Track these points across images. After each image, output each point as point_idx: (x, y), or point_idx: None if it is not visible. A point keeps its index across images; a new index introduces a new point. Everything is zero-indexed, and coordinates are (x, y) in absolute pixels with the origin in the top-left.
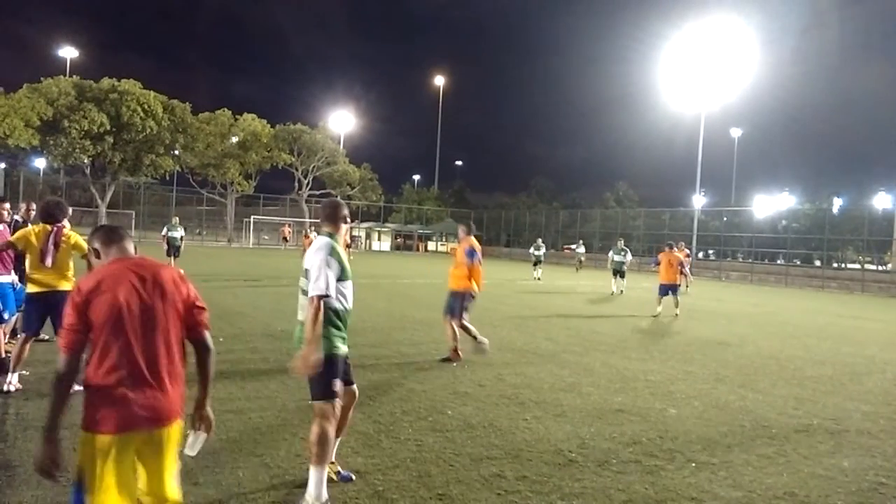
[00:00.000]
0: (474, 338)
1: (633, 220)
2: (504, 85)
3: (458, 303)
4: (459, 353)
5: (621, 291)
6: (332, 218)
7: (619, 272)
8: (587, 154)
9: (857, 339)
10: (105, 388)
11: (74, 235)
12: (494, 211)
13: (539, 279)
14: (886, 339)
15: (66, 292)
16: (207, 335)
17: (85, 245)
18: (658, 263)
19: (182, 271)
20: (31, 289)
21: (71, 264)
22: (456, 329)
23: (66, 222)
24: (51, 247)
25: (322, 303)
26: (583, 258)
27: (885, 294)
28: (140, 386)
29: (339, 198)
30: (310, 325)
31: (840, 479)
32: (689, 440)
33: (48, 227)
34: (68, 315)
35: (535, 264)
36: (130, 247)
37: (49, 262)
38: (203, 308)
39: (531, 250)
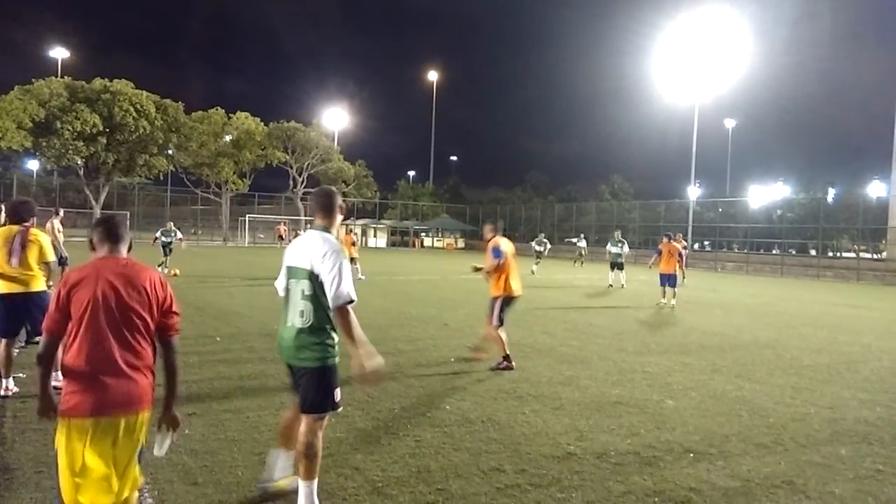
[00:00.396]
0: (505, 357)
1: (629, 212)
2: (498, 79)
3: (494, 308)
4: (511, 359)
5: (622, 285)
6: (328, 208)
7: (616, 264)
8: (582, 147)
9: (854, 328)
10: (80, 375)
11: (42, 238)
12: (489, 206)
13: (534, 272)
14: (882, 328)
15: (37, 293)
16: (175, 339)
17: (49, 251)
18: (660, 253)
19: (177, 272)
20: (1, 289)
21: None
22: (493, 333)
23: (57, 223)
24: (17, 247)
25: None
26: (584, 252)
27: (881, 282)
28: (113, 375)
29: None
30: (355, 333)
31: (838, 466)
32: (686, 431)
33: (13, 227)
34: (52, 303)
35: (538, 259)
36: (123, 249)
37: (15, 262)
38: (177, 313)
39: (533, 244)
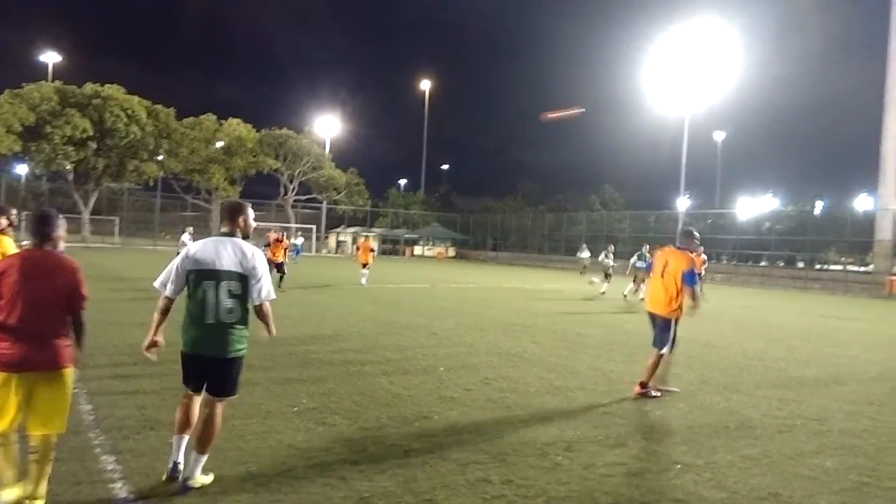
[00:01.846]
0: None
1: (619, 222)
2: (490, 88)
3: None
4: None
5: (624, 296)
6: (234, 219)
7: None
8: (572, 157)
9: (841, 340)
10: (9, 340)
11: (5, 242)
12: (481, 215)
13: (604, 293)
14: (869, 340)
15: None
16: (82, 314)
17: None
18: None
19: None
20: None
21: None
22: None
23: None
24: None
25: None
26: (587, 263)
27: (868, 295)
28: (34, 341)
29: (325, 203)
30: (273, 324)
31: (823, 479)
32: (673, 442)
33: None
34: None
35: (606, 276)
36: (47, 242)
37: None
38: (83, 295)
39: (603, 258)
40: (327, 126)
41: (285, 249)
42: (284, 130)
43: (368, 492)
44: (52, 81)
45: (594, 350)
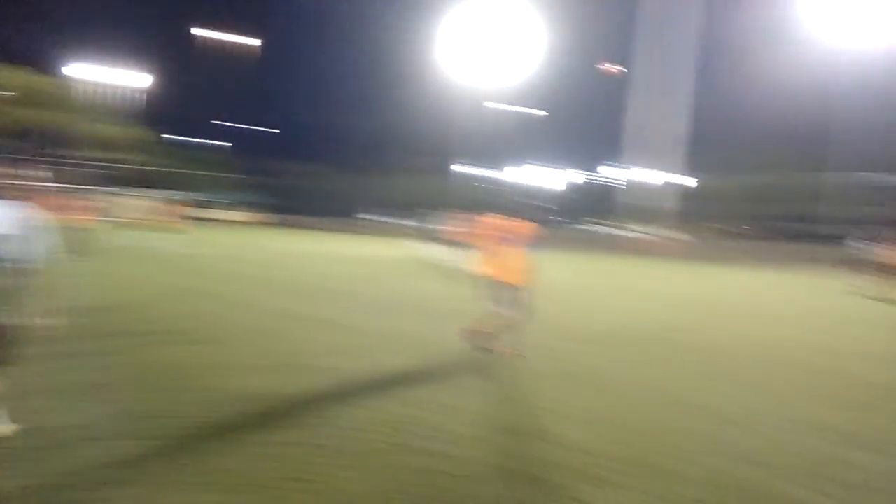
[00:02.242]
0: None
1: (428, 187)
2: (304, 48)
3: None
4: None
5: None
6: None
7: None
8: (386, 124)
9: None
10: None
11: None
12: (295, 179)
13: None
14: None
15: None
16: None
17: None
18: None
19: None
20: None
21: None
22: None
23: None
24: None
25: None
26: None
27: (637, 253)
28: None
29: (104, 162)
30: (55, 295)
31: (561, 410)
32: (452, 392)
33: None
34: None
35: (425, 240)
36: None
37: None
38: None
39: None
40: (113, 77)
41: (87, 214)
42: (53, 78)
43: (156, 459)
44: None
45: (388, 311)
